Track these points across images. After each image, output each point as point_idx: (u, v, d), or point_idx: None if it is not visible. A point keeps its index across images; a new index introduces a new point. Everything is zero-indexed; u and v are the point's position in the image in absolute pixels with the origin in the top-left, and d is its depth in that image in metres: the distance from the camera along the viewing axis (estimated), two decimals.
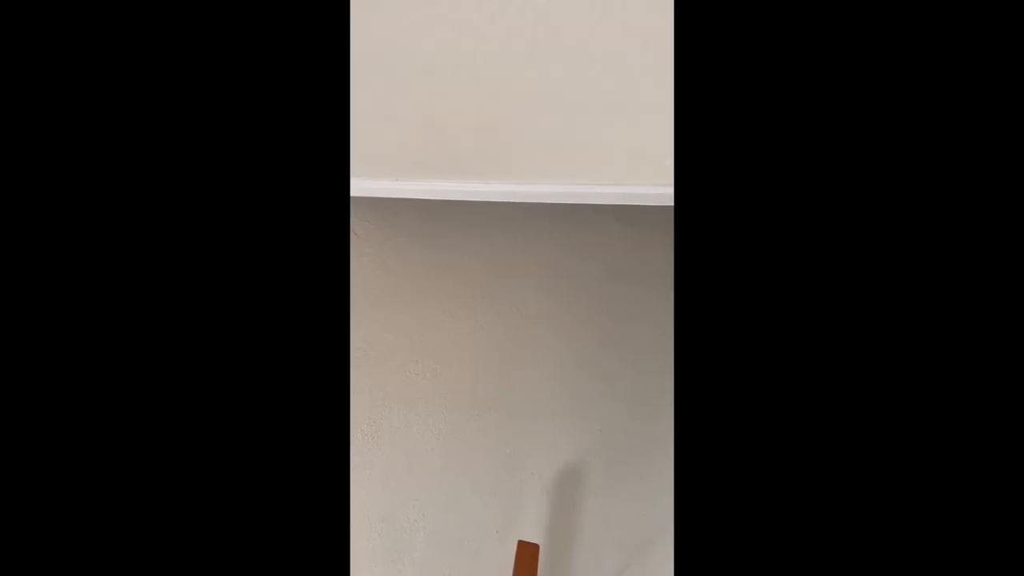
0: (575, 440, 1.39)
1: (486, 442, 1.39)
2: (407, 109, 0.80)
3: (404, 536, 1.34)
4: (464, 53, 0.69)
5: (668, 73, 0.66)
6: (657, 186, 0.92)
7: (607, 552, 1.32)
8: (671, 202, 0.97)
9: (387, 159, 0.95)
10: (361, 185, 1.02)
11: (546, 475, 1.37)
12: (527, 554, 1.14)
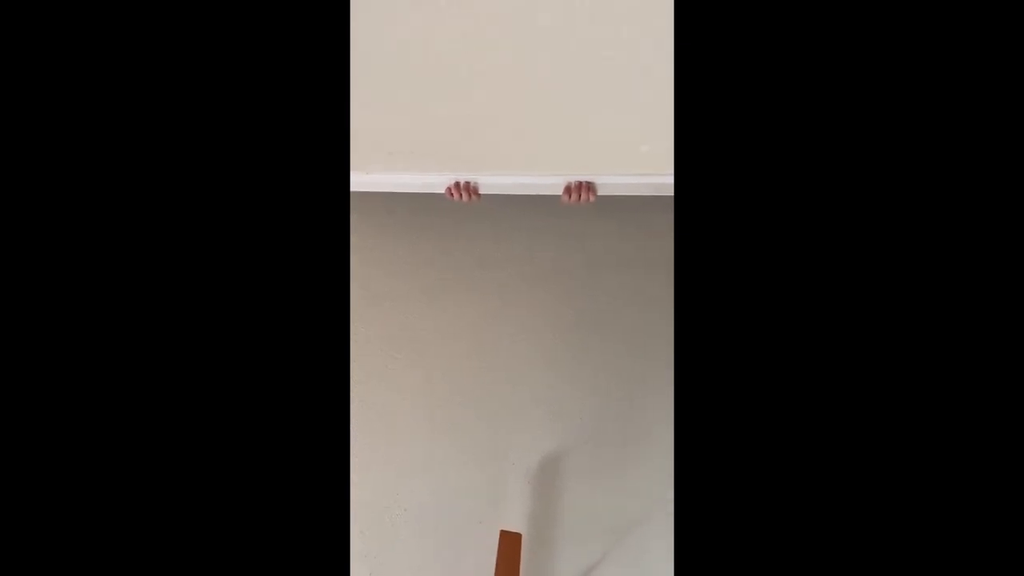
0: (556, 428, 1.42)
1: (468, 432, 1.41)
2: (394, 102, 0.82)
3: (387, 527, 1.34)
4: (457, 46, 0.71)
5: (649, 65, 0.71)
6: (634, 175, 0.97)
7: (589, 539, 1.34)
8: (649, 191, 1.02)
9: (370, 152, 0.97)
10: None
11: (528, 463, 1.39)
12: (510, 543, 1.16)
